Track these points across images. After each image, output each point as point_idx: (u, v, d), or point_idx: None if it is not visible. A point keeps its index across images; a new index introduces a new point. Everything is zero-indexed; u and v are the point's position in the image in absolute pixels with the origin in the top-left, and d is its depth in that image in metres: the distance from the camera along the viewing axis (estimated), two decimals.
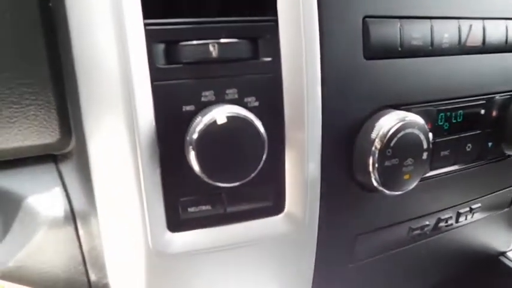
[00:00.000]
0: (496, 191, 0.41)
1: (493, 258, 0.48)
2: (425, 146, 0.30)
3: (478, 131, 0.37)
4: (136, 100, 0.23)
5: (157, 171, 0.25)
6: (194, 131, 0.23)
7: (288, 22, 0.26)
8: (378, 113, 0.30)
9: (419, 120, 0.30)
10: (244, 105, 0.25)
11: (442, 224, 0.38)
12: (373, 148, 0.28)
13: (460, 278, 0.44)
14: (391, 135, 0.28)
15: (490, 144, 0.38)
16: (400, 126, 0.28)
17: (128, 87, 0.23)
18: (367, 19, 0.28)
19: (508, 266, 0.48)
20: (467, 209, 0.39)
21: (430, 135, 0.30)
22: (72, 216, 0.28)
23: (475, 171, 0.38)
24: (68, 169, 0.30)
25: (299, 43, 0.26)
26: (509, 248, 0.49)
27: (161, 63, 0.24)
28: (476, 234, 0.43)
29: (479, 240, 0.45)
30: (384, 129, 0.28)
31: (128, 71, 0.23)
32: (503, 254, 0.49)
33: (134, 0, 0.23)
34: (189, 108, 0.24)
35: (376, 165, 0.28)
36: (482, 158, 0.38)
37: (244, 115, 0.24)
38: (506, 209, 0.44)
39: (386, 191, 0.29)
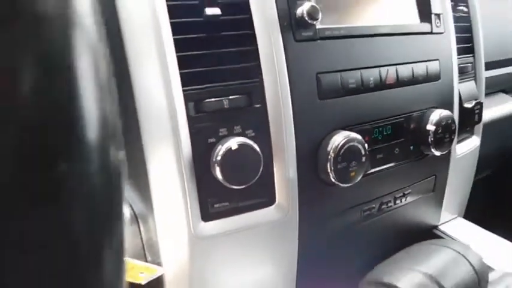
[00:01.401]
0: (421, 180, 0.58)
1: (429, 230, 0.64)
2: (363, 153, 0.45)
3: (402, 139, 0.53)
4: (180, 136, 0.38)
5: (194, 181, 0.39)
6: (218, 155, 0.38)
7: (269, 81, 0.41)
8: (331, 133, 0.45)
9: (357, 136, 0.45)
10: (246, 136, 0.40)
11: (384, 206, 0.54)
12: (329, 156, 0.44)
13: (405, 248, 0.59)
14: (340, 147, 0.43)
15: (411, 147, 0.54)
16: (345, 141, 0.44)
17: (175, 129, 0.38)
18: (318, 74, 0.44)
19: (440, 237, 0.64)
20: (401, 194, 0.55)
21: (366, 145, 0.46)
22: (135, 218, 0.42)
23: (404, 167, 0.54)
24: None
25: (277, 93, 0.41)
26: (440, 222, 0.65)
27: (192, 113, 0.38)
28: (412, 213, 0.59)
29: (416, 217, 0.61)
30: (335, 144, 0.44)
31: (174, 118, 0.37)
32: (435, 227, 0.65)
33: (176, 75, 0.37)
34: (212, 140, 0.39)
35: (332, 167, 0.44)
36: (407, 158, 0.54)
37: (247, 142, 0.39)
38: (431, 193, 0.60)
39: (340, 184, 0.45)
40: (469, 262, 0.35)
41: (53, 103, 0.11)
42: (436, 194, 0.62)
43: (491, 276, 0.51)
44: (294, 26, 0.42)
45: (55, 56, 0.11)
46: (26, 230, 0.10)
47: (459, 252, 0.36)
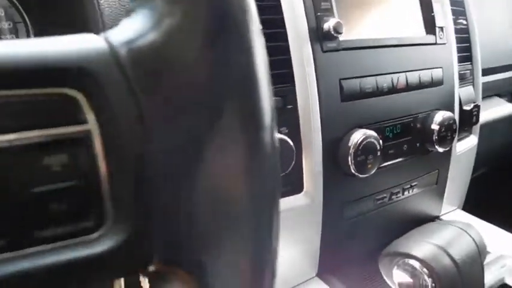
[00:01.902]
0: (425, 174, 0.65)
1: (431, 220, 0.71)
2: (378, 148, 0.52)
3: (410, 137, 0.60)
4: None
5: None
6: None
7: (300, 86, 0.48)
8: (351, 131, 0.52)
9: (373, 133, 0.52)
10: (281, 132, 0.47)
11: (393, 196, 0.61)
12: (350, 151, 0.51)
13: None
14: (359, 143, 0.51)
15: (418, 144, 0.61)
16: (364, 138, 0.51)
17: None
18: (341, 80, 0.51)
19: None
20: (409, 185, 0.62)
21: (381, 142, 0.53)
22: None
23: (411, 162, 0.62)
24: None
25: (307, 96, 0.48)
26: (441, 213, 0.73)
27: None
28: (418, 203, 0.67)
29: (421, 207, 0.68)
30: (355, 140, 0.51)
31: None
32: (438, 217, 0.72)
33: None
34: None
35: (353, 160, 0.51)
36: (414, 153, 0.61)
37: (284, 138, 0.46)
38: (434, 186, 0.68)
39: (359, 175, 0.52)
40: (471, 236, 0.42)
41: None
42: (439, 187, 0.69)
43: (488, 257, 0.58)
44: (321, 39, 0.49)
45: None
46: None
47: (462, 229, 0.43)
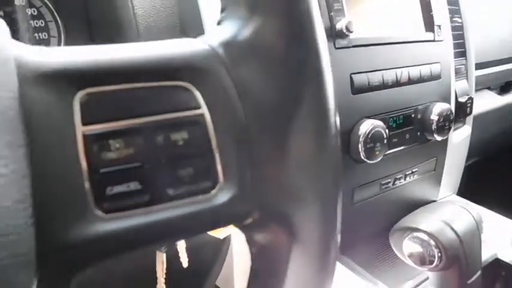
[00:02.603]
0: (425, 161, 0.70)
1: (429, 203, 0.77)
2: (385, 136, 0.57)
3: (411, 127, 0.65)
4: None
5: None
6: None
7: None
8: (360, 121, 0.57)
9: (381, 123, 0.57)
10: None
11: (397, 181, 0.66)
12: (360, 139, 0.56)
13: None
14: (368, 132, 0.56)
15: (418, 133, 0.67)
16: (372, 127, 0.56)
17: None
18: (352, 74, 0.56)
19: None
20: (410, 171, 0.68)
21: (387, 131, 0.58)
22: None
23: (412, 150, 0.67)
24: None
25: None
26: (438, 198, 0.78)
27: None
28: (418, 188, 0.72)
29: (420, 192, 0.73)
30: (365, 129, 0.56)
31: None
32: (435, 201, 0.78)
33: None
34: None
35: (362, 148, 0.56)
36: (415, 142, 0.67)
37: None
38: (433, 172, 0.73)
39: (368, 161, 0.57)
40: (471, 213, 0.47)
41: None
42: (436, 174, 0.75)
43: (482, 236, 0.64)
44: (334, 37, 0.54)
45: None
46: None
47: (463, 207, 0.48)
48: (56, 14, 0.56)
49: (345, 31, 0.53)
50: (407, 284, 0.54)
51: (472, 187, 0.92)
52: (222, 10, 0.22)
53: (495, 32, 1.01)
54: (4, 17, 0.53)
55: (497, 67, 1.04)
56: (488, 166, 1.06)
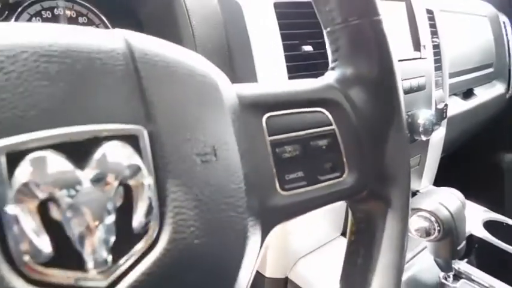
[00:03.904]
0: (412, 157, 0.85)
1: (413, 193, 0.92)
2: None
3: None
4: None
5: None
6: None
7: None
8: None
9: None
10: None
11: None
12: None
13: None
14: None
15: (408, 134, 0.81)
16: None
17: None
18: None
19: None
20: None
21: None
22: None
23: None
24: None
25: None
26: (420, 188, 0.94)
27: None
28: None
29: None
30: None
31: None
32: (417, 191, 0.93)
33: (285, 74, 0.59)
34: None
35: None
36: None
37: None
38: (417, 166, 0.88)
39: None
40: (457, 196, 0.61)
41: None
42: (420, 168, 0.90)
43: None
44: None
45: None
46: None
47: (451, 192, 0.62)
48: (109, 26, 0.64)
49: None
50: (410, 254, 0.67)
51: (442, 178, 1.09)
52: (333, 61, 0.33)
53: (458, 48, 1.18)
54: None
55: (460, 77, 1.22)
56: (454, 160, 1.24)
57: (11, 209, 0.15)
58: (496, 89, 1.45)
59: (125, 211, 0.18)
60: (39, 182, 0.16)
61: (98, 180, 0.17)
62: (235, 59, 0.60)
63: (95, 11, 0.62)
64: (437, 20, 0.93)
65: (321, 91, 0.31)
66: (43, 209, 0.16)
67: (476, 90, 1.33)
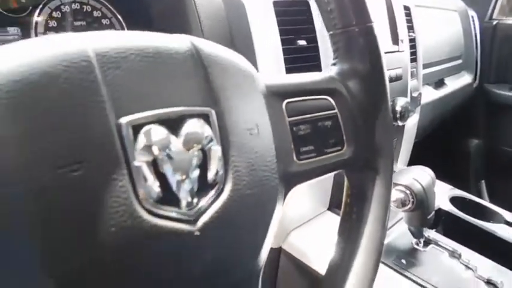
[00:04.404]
0: None
1: None
2: None
3: None
4: None
5: None
6: None
7: None
8: None
9: None
10: None
11: None
12: None
13: None
14: None
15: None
16: None
17: None
18: None
19: None
20: None
21: None
22: None
23: None
24: None
25: None
26: (396, 169, 1.04)
27: None
28: None
29: None
30: None
31: None
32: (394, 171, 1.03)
33: (283, 68, 0.67)
34: None
35: None
36: None
37: None
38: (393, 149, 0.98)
39: None
40: (428, 173, 0.71)
41: None
42: (396, 151, 1.00)
43: None
44: None
45: None
46: None
47: (423, 170, 0.72)
48: (122, 21, 0.69)
49: None
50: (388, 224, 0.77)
51: (415, 162, 1.20)
52: (334, 59, 0.41)
53: (430, 40, 1.29)
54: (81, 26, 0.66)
55: (432, 68, 1.33)
56: (425, 145, 1.35)
57: (137, 162, 0.22)
58: (464, 79, 1.58)
59: (202, 168, 0.25)
60: (152, 144, 0.23)
61: (186, 145, 0.24)
62: (238, 52, 0.67)
63: (108, 6, 0.68)
64: (413, 16, 1.02)
65: (325, 82, 0.39)
66: (154, 164, 0.23)
67: (447, 80, 1.44)
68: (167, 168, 0.24)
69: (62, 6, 0.64)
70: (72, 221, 0.20)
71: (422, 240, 0.74)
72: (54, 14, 0.63)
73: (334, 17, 0.39)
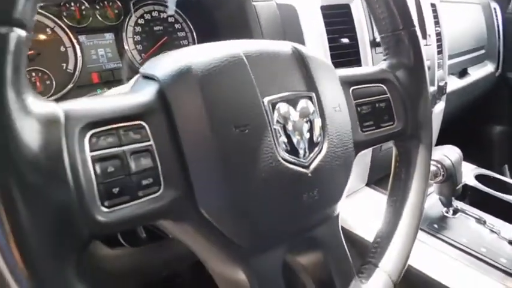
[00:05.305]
0: None
1: None
2: None
3: None
4: None
5: None
6: None
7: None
8: None
9: None
10: None
11: None
12: None
13: None
14: None
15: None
16: None
17: None
18: None
19: None
20: None
21: None
22: None
23: None
24: None
25: None
26: None
27: None
28: None
29: None
30: None
31: None
32: None
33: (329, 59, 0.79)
34: None
35: None
36: None
37: None
38: None
39: None
40: (456, 151, 0.82)
41: None
42: None
43: None
44: (372, 44, 0.86)
45: None
46: None
47: (452, 148, 0.83)
48: (190, 25, 0.83)
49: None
50: None
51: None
52: (385, 55, 0.52)
53: (455, 33, 1.38)
54: (162, 30, 0.79)
55: (456, 58, 1.42)
56: (451, 131, 1.45)
57: (275, 126, 0.35)
58: (487, 68, 1.66)
59: (310, 132, 0.38)
60: (282, 115, 0.36)
61: (301, 116, 0.37)
62: None
63: (180, 12, 0.81)
64: (439, 12, 1.12)
65: (380, 73, 0.51)
66: (284, 127, 0.36)
67: (470, 70, 1.53)
68: (291, 131, 0.36)
69: (145, 14, 0.77)
70: (244, 159, 0.33)
71: (451, 209, 0.86)
72: (139, 21, 0.77)
73: (386, 23, 0.51)
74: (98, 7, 0.70)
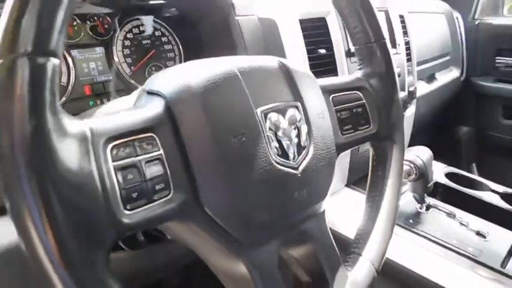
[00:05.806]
0: None
1: None
2: None
3: None
4: None
5: None
6: None
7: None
8: None
9: None
10: None
11: None
12: None
13: None
14: None
15: None
16: None
17: None
18: None
19: None
20: None
21: None
22: None
23: None
24: None
25: None
26: None
27: None
28: None
29: None
30: None
31: None
32: None
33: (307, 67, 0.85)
34: None
35: None
36: None
37: None
38: None
39: None
40: (427, 152, 0.89)
41: None
42: None
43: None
44: (347, 54, 0.92)
45: None
46: None
47: (423, 149, 0.90)
48: (177, 39, 0.87)
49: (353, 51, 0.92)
50: None
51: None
52: (360, 65, 0.58)
53: (421, 41, 1.47)
54: (151, 44, 0.82)
55: (424, 64, 1.52)
56: (422, 132, 1.54)
57: (267, 133, 0.40)
58: (453, 73, 1.77)
59: (298, 138, 0.43)
60: (273, 123, 0.40)
61: (290, 123, 0.42)
62: None
63: (166, 26, 0.85)
64: (407, 22, 1.20)
65: (355, 82, 0.56)
66: (275, 134, 0.40)
67: (437, 75, 1.63)
68: (281, 137, 0.41)
69: (133, 29, 0.81)
70: (243, 164, 0.37)
71: (424, 205, 0.92)
72: (128, 35, 0.80)
73: (359, 36, 0.57)
74: (88, 22, 0.73)
